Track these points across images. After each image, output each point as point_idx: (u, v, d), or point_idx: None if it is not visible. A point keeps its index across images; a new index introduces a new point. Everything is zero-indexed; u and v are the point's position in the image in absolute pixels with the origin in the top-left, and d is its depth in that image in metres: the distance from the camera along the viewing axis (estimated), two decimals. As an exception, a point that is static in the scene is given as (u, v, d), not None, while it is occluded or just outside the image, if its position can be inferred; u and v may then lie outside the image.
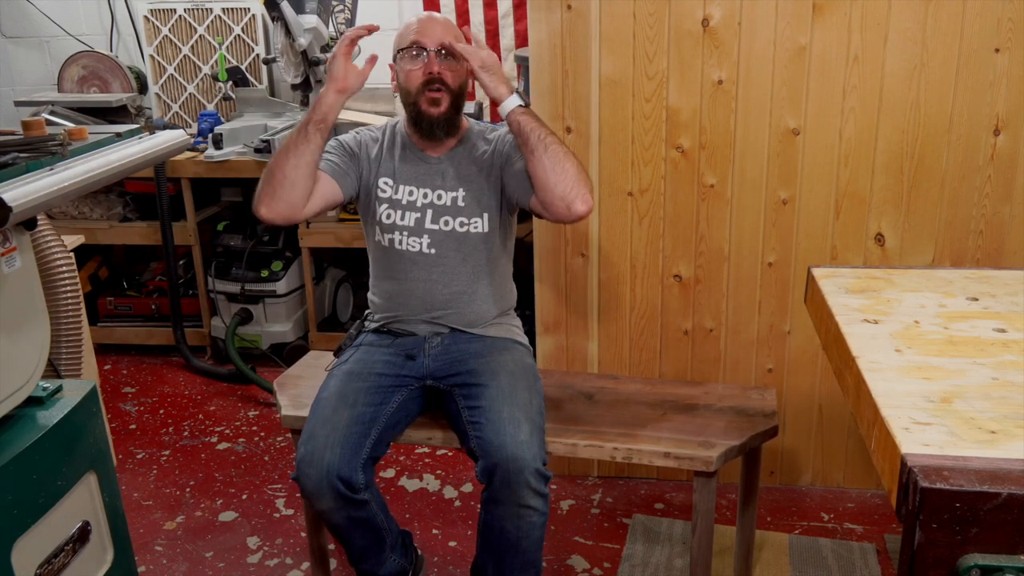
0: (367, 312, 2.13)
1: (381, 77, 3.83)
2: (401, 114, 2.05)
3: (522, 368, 1.96)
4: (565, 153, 1.84)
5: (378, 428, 1.88)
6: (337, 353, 2.09)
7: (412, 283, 2.01)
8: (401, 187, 2.00)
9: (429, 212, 1.99)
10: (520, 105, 1.85)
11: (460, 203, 1.98)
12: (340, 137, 2.05)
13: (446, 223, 1.98)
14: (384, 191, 2.01)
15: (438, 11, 3.71)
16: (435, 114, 1.92)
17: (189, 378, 3.42)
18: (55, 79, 3.70)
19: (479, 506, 1.85)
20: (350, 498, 1.80)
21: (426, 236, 1.98)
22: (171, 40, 3.67)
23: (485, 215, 1.99)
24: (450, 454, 2.79)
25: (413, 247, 1.99)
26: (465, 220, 1.98)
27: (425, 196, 1.99)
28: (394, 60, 1.97)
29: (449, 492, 2.62)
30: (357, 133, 2.07)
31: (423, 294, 2.00)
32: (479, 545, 1.88)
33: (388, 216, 2.00)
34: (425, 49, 1.90)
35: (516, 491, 1.75)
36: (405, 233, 1.99)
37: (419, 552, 2.14)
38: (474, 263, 2.01)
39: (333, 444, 1.80)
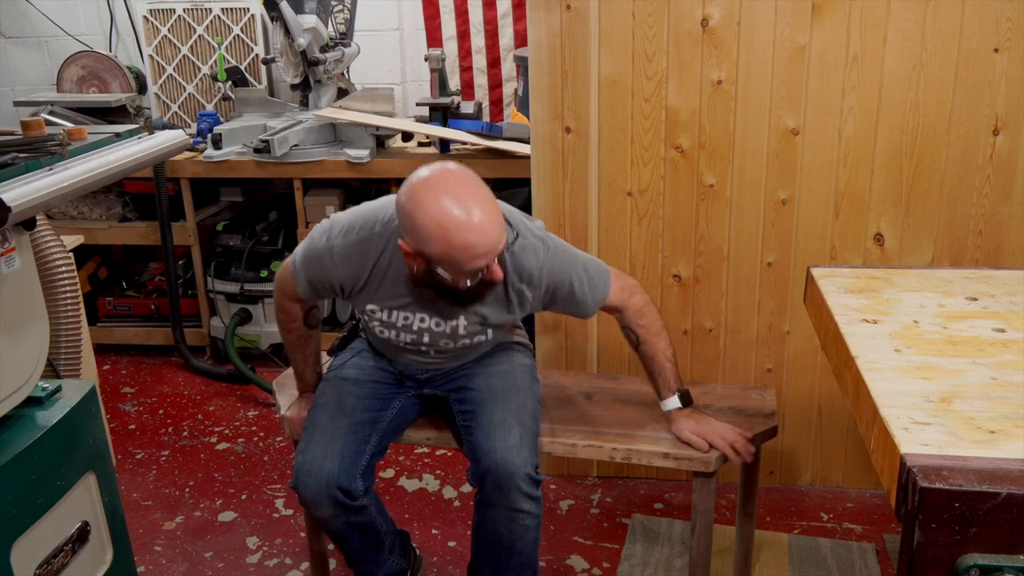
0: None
1: (381, 77, 3.85)
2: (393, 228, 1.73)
3: (518, 369, 1.95)
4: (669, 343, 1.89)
5: (377, 434, 1.87)
6: (332, 352, 2.07)
7: (406, 358, 1.95)
8: (395, 312, 1.82)
9: (426, 335, 1.84)
10: (684, 406, 1.89)
11: (461, 331, 1.83)
12: (311, 265, 1.79)
13: (446, 343, 1.86)
14: (374, 314, 1.84)
15: (437, 12, 3.71)
16: (486, 295, 1.73)
17: (188, 378, 3.42)
18: (54, 79, 3.69)
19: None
20: (349, 505, 1.80)
21: (424, 347, 1.88)
22: (170, 40, 3.67)
23: (490, 330, 1.86)
24: (449, 454, 2.79)
25: (409, 348, 1.89)
26: (468, 341, 1.86)
27: (422, 320, 1.82)
28: (421, 257, 1.62)
29: (448, 492, 2.62)
30: (330, 262, 1.76)
31: (418, 367, 1.96)
32: (474, 547, 1.88)
33: (381, 332, 1.88)
34: (483, 269, 1.62)
35: (507, 496, 1.75)
36: (401, 343, 1.88)
37: (417, 552, 2.15)
38: (476, 349, 1.94)
39: (332, 453, 1.78)
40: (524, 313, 1.85)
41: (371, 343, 2.02)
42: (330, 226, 1.78)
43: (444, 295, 1.70)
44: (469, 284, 1.63)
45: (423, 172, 1.60)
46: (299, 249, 1.85)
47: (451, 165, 1.62)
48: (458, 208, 1.53)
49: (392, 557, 1.97)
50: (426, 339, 1.85)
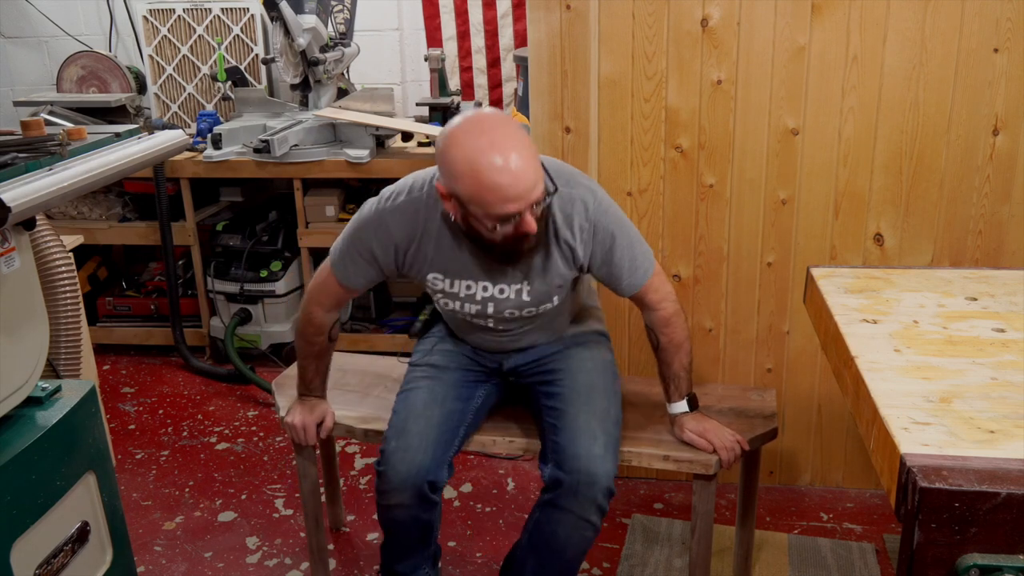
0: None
1: (381, 76, 3.85)
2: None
3: (601, 366, 1.92)
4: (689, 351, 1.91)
5: (465, 425, 1.87)
6: (415, 335, 2.06)
7: (479, 337, 1.95)
8: (456, 282, 1.81)
9: (491, 304, 1.83)
10: (686, 412, 1.90)
11: (525, 297, 1.81)
12: (363, 238, 1.80)
13: (511, 313, 1.84)
14: (436, 284, 1.83)
15: (437, 12, 3.71)
16: (526, 250, 1.70)
17: (188, 378, 3.42)
18: (54, 79, 3.69)
19: (532, 507, 1.84)
20: (428, 499, 1.78)
21: (491, 319, 1.87)
22: (170, 40, 3.67)
23: (555, 297, 1.83)
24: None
25: (478, 323, 1.89)
26: (533, 308, 1.84)
27: (485, 289, 1.81)
28: (455, 199, 1.61)
29: (448, 492, 2.61)
30: (386, 226, 1.77)
31: (491, 346, 1.96)
32: (524, 540, 1.86)
33: (446, 304, 1.88)
34: (517, 214, 1.58)
35: (582, 505, 1.73)
36: (468, 316, 1.88)
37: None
38: (545, 319, 1.91)
39: (426, 444, 1.77)
40: (578, 269, 1.81)
41: (449, 328, 2.03)
42: (376, 199, 1.81)
43: (484, 249, 1.69)
44: (502, 233, 1.60)
45: (463, 114, 1.61)
46: (339, 240, 1.86)
47: (491, 110, 1.65)
48: (491, 149, 1.53)
49: (426, 566, 1.94)
50: (491, 309, 1.83)
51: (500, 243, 1.65)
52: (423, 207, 1.76)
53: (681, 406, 1.90)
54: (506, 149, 1.53)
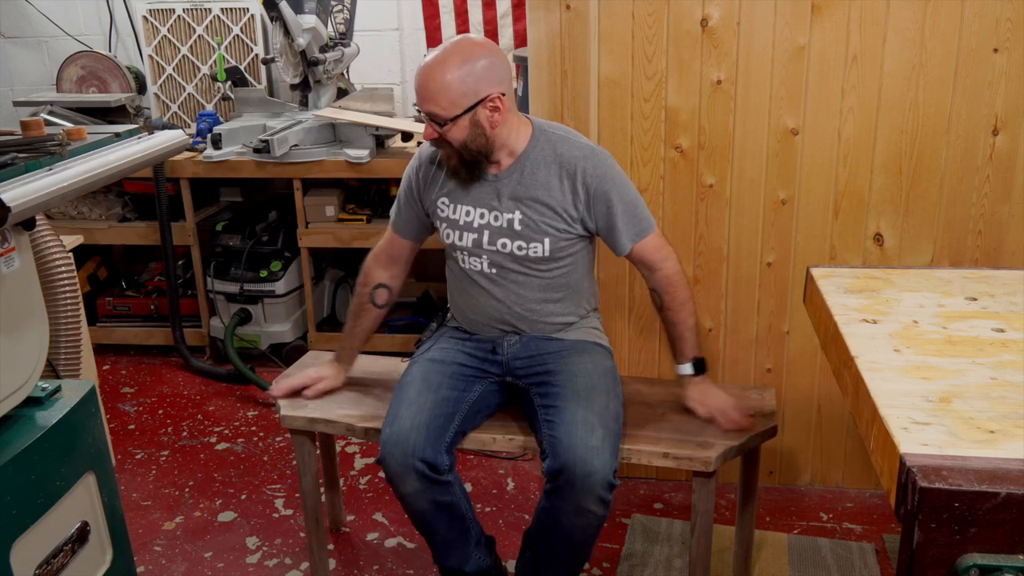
0: (448, 307, 2.13)
1: (380, 76, 3.85)
2: None
3: (601, 371, 1.94)
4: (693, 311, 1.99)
5: (460, 415, 1.89)
6: (418, 345, 2.11)
7: (481, 300, 1.99)
8: (458, 207, 1.95)
9: (486, 233, 1.93)
10: (697, 373, 1.98)
11: (516, 226, 1.91)
12: (405, 177, 2.04)
13: (503, 245, 1.93)
14: (442, 211, 1.97)
15: (437, 12, 3.71)
16: (448, 166, 1.92)
17: (188, 378, 3.42)
18: (54, 79, 3.69)
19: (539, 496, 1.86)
20: (434, 479, 1.80)
21: (485, 256, 1.95)
22: (170, 40, 3.67)
23: (546, 240, 1.91)
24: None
25: (475, 267, 1.97)
26: (523, 244, 1.92)
27: (482, 216, 1.93)
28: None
29: (448, 492, 2.61)
30: (418, 162, 2.02)
31: (493, 311, 1.99)
32: (534, 525, 1.88)
33: (448, 236, 1.98)
34: (422, 112, 1.85)
35: (580, 495, 1.74)
36: (465, 253, 1.97)
37: (503, 564, 2.08)
38: (540, 282, 1.96)
39: (419, 426, 1.81)
40: (577, 217, 1.90)
41: (456, 318, 2.07)
42: None
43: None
44: (425, 132, 1.84)
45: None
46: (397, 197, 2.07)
47: (477, 36, 1.88)
48: (434, 51, 1.81)
49: (479, 553, 1.94)
50: (486, 240, 1.93)
51: (442, 151, 1.89)
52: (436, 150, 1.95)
53: (686, 368, 1.97)
54: (441, 56, 1.80)
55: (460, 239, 1.96)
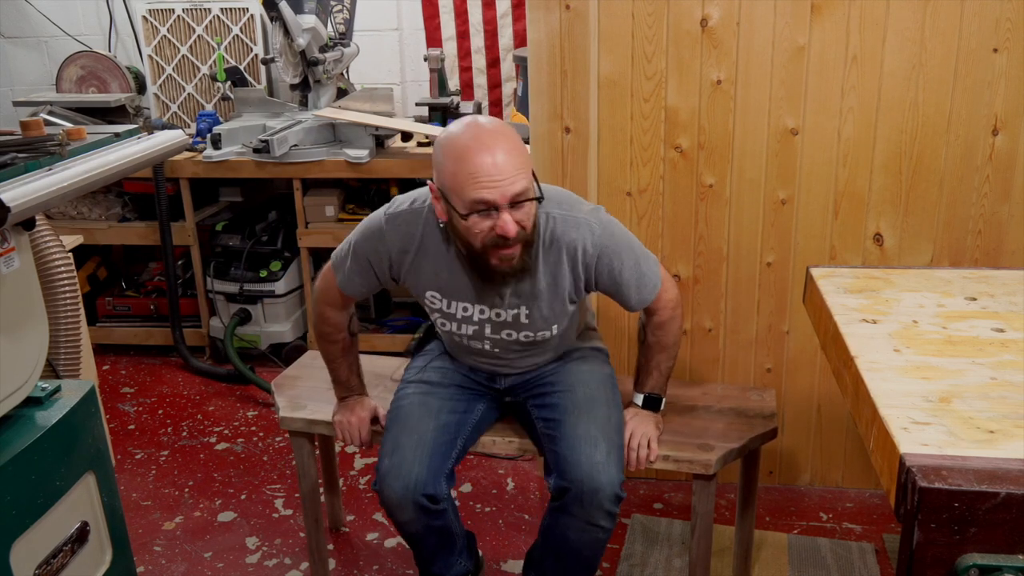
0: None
1: (380, 77, 3.85)
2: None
3: (599, 378, 1.91)
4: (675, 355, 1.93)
5: (462, 438, 1.85)
6: (409, 354, 2.05)
7: (476, 359, 1.93)
8: (454, 303, 1.80)
9: (488, 326, 1.82)
10: (646, 407, 1.91)
11: (523, 320, 1.79)
12: (363, 248, 1.81)
13: (509, 335, 1.83)
14: (434, 303, 1.83)
15: (436, 12, 3.71)
16: (508, 268, 1.66)
17: (188, 378, 3.42)
18: (53, 79, 3.69)
19: (544, 513, 1.84)
20: (431, 510, 1.77)
21: (487, 341, 1.85)
22: (170, 40, 3.67)
23: (554, 326, 1.82)
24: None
25: (475, 346, 1.88)
26: (531, 333, 1.82)
27: (482, 312, 1.79)
28: (441, 194, 1.63)
29: (448, 492, 2.61)
30: (384, 239, 1.77)
31: (489, 370, 1.94)
32: (540, 541, 1.87)
33: (443, 325, 1.87)
34: (495, 207, 1.57)
35: (587, 511, 1.72)
36: (464, 338, 1.86)
37: (480, 553, 2.11)
38: (544, 348, 1.90)
39: (421, 457, 1.75)
40: (584, 291, 1.80)
41: (445, 347, 2.01)
42: (386, 205, 1.82)
43: (471, 263, 1.68)
44: (481, 234, 1.59)
45: (463, 118, 1.65)
46: (343, 244, 1.86)
47: (487, 118, 1.65)
48: (479, 137, 1.57)
49: (461, 559, 1.94)
50: (488, 331, 1.82)
51: (480, 252, 1.63)
52: (423, 221, 1.75)
53: (637, 398, 1.93)
54: (493, 141, 1.56)
55: (459, 329, 1.84)
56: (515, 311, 1.78)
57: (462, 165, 1.55)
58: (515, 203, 1.58)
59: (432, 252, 1.76)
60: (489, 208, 1.57)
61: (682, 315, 1.90)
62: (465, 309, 1.80)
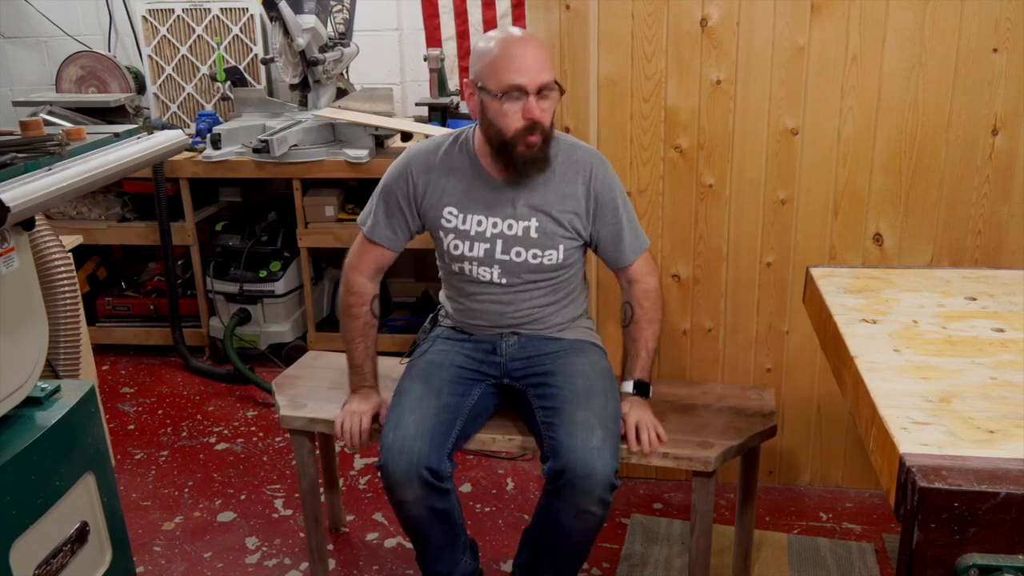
0: (439, 307, 2.11)
1: (380, 77, 3.85)
2: (470, 134, 1.94)
3: (598, 371, 1.93)
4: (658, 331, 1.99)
5: (462, 419, 1.88)
6: (412, 348, 2.08)
7: (486, 305, 1.97)
8: (469, 217, 1.90)
9: (499, 242, 1.90)
10: (638, 393, 1.94)
11: (533, 234, 1.89)
12: (388, 185, 1.96)
13: (518, 254, 1.90)
14: (449, 221, 1.92)
15: (436, 12, 3.71)
16: (532, 156, 1.82)
17: (187, 378, 3.42)
18: (53, 79, 3.69)
19: (538, 497, 1.86)
20: (436, 487, 1.79)
21: (497, 267, 1.92)
22: (169, 40, 3.67)
23: (560, 247, 1.91)
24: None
25: (484, 276, 1.93)
26: (539, 252, 1.90)
27: (495, 225, 1.90)
28: (476, 84, 1.83)
29: (448, 492, 2.61)
30: (411, 169, 1.94)
31: (495, 315, 1.97)
32: (533, 525, 1.89)
33: (456, 248, 1.92)
34: (525, 92, 1.77)
35: (580, 496, 1.74)
36: (475, 263, 1.93)
37: (481, 570, 2.08)
38: (547, 287, 1.96)
39: (423, 432, 1.79)
40: (583, 229, 1.92)
41: (452, 318, 2.04)
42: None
43: (498, 152, 1.83)
44: (512, 122, 1.77)
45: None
46: (373, 196, 2.01)
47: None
48: (515, 34, 1.82)
49: (466, 558, 1.94)
50: (499, 250, 1.90)
51: (511, 139, 1.79)
52: (445, 143, 1.94)
53: (627, 386, 1.95)
54: (526, 39, 1.81)
55: (470, 250, 1.92)
56: (527, 223, 1.89)
57: (500, 53, 1.77)
58: (541, 92, 1.77)
59: (451, 167, 1.92)
60: (520, 93, 1.76)
61: (661, 288, 2.00)
62: (479, 223, 1.91)
